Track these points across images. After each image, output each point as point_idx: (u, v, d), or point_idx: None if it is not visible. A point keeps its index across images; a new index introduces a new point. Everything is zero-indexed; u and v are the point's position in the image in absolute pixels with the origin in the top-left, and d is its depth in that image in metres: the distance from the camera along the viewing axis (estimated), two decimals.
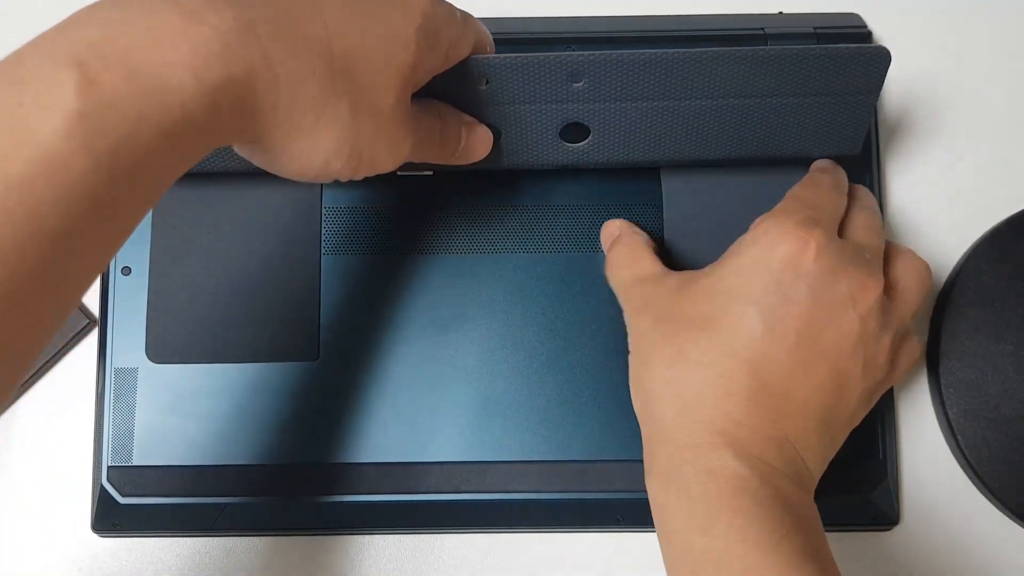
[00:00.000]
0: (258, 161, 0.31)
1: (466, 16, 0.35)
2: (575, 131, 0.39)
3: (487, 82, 0.37)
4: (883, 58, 0.37)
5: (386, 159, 0.33)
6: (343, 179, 0.32)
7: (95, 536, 0.42)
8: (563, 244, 0.42)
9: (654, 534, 0.41)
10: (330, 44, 0.29)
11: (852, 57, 0.37)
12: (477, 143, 0.38)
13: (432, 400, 0.41)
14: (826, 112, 0.38)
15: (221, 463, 0.41)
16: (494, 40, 0.43)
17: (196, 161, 0.27)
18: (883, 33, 0.46)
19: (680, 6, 0.47)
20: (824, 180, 0.38)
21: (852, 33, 0.44)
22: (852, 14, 0.45)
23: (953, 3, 0.47)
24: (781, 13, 0.46)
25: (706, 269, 0.36)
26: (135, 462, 0.41)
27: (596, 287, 0.42)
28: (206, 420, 0.41)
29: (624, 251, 0.40)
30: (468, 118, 0.38)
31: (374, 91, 0.31)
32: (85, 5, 0.26)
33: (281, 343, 0.41)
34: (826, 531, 0.41)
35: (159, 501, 0.41)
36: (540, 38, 0.44)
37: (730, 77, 0.37)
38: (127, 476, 0.41)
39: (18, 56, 0.25)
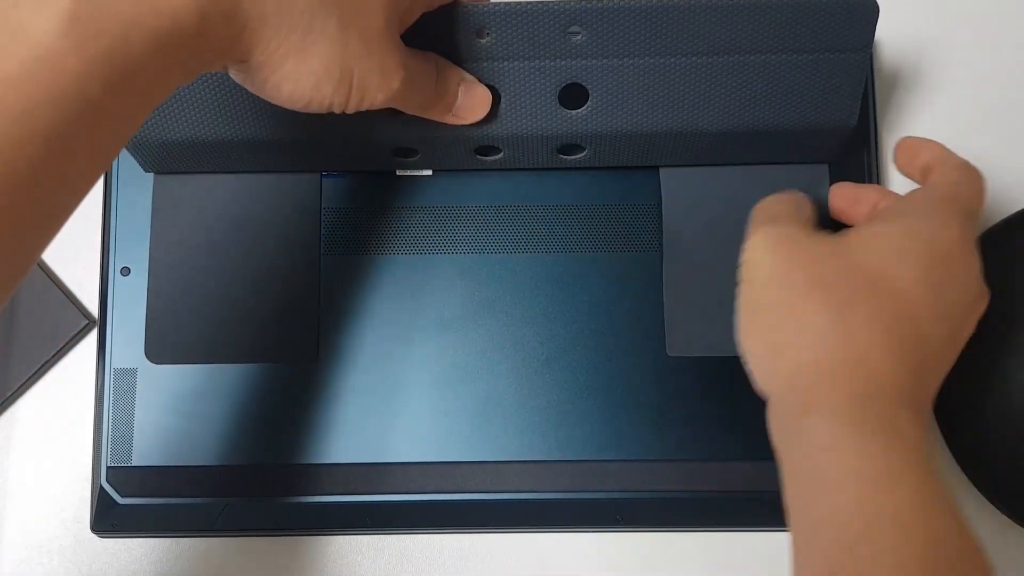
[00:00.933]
0: (250, 85, 0.31)
1: None
2: (574, 96, 0.39)
3: (483, 35, 0.36)
4: (870, 9, 0.37)
5: (377, 87, 0.32)
6: (336, 109, 0.32)
7: (94, 536, 0.42)
8: (563, 244, 0.42)
9: (653, 533, 0.42)
10: None
11: (839, 7, 0.37)
12: (475, 101, 0.38)
13: (432, 400, 0.41)
14: (819, 72, 0.38)
15: (220, 464, 0.41)
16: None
17: (189, 76, 0.28)
18: (881, 33, 0.46)
19: None
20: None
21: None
22: None
23: (954, 2, 0.47)
24: None
25: (860, 234, 0.34)
26: (134, 463, 0.41)
27: (595, 287, 0.42)
28: (205, 421, 0.41)
29: (781, 204, 0.38)
30: (468, 76, 0.38)
31: (363, 12, 0.31)
32: None
33: (280, 344, 0.41)
34: None
35: (158, 501, 0.41)
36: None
37: (722, 28, 0.37)
38: (126, 477, 0.41)
39: None
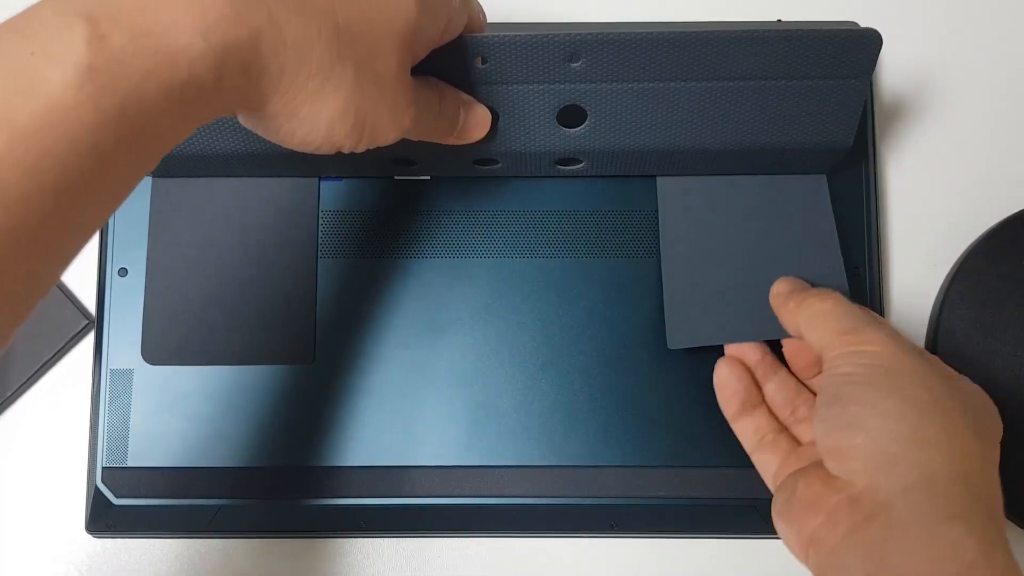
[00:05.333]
0: (262, 131, 0.31)
1: None
2: (572, 115, 0.39)
3: (484, 61, 0.37)
4: (874, 40, 0.37)
5: (388, 128, 0.33)
6: (345, 150, 0.32)
7: (89, 537, 0.42)
8: (560, 249, 0.42)
9: (647, 539, 0.42)
10: (334, 9, 0.29)
11: (844, 38, 0.37)
12: (475, 122, 0.38)
13: (427, 404, 0.41)
14: (818, 97, 0.38)
15: (215, 465, 0.41)
16: None
17: (201, 124, 0.27)
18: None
19: (681, 14, 0.47)
20: None
21: None
22: (850, 23, 0.45)
23: (950, 12, 0.47)
24: (780, 21, 0.46)
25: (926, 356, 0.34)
26: (130, 463, 0.41)
27: (591, 292, 0.42)
28: (201, 422, 0.41)
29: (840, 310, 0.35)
30: (467, 96, 0.38)
31: (377, 57, 0.31)
32: None
33: (277, 346, 0.41)
34: None
35: (153, 502, 0.41)
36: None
37: (724, 58, 0.37)
38: (121, 477, 0.41)
39: (30, 11, 0.25)
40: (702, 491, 0.40)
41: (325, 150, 0.31)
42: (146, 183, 0.43)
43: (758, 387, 0.39)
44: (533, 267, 0.42)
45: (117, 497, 0.41)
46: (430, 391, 0.41)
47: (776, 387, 0.39)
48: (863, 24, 0.45)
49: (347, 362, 0.42)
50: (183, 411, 0.41)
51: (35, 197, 0.23)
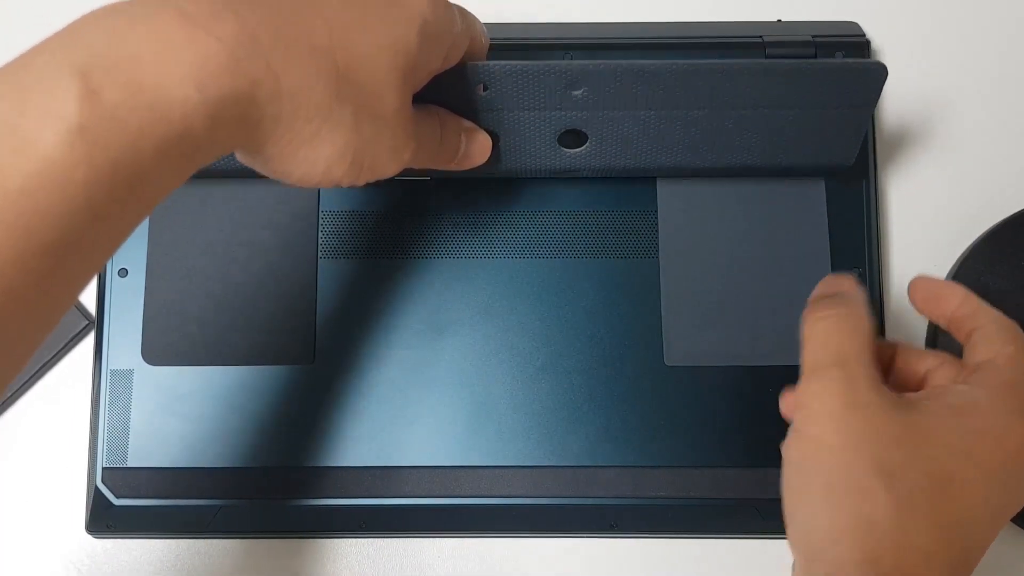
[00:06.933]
0: (259, 168, 0.31)
1: (463, 13, 0.35)
2: (573, 137, 0.39)
3: (486, 88, 0.37)
4: (880, 73, 0.37)
5: (388, 164, 0.33)
6: (344, 185, 0.32)
7: (89, 537, 0.42)
8: (559, 249, 0.42)
9: (647, 539, 0.42)
10: (334, 52, 0.29)
11: (850, 72, 0.37)
12: (476, 149, 0.38)
13: (427, 404, 0.41)
14: (822, 124, 0.38)
15: (216, 465, 0.41)
16: (494, 46, 0.44)
17: (197, 169, 0.27)
18: (881, 42, 0.47)
19: (680, 14, 0.47)
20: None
21: (850, 42, 0.44)
22: (851, 23, 0.45)
23: (950, 11, 0.47)
24: (780, 21, 0.46)
25: (929, 419, 0.31)
26: (130, 464, 0.41)
27: (591, 292, 0.42)
28: (201, 422, 0.41)
29: (849, 335, 0.33)
30: (467, 123, 0.38)
31: (377, 96, 0.30)
32: (94, 8, 0.26)
33: (277, 346, 0.41)
34: None
35: (153, 503, 0.41)
36: (540, 44, 0.44)
37: (728, 89, 0.37)
38: (121, 477, 0.41)
39: (23, 61, 0.24)
40: (702, 491, 0.40)
41: (324, 186, 0.31)
42: None
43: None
44: (533, 267, 0.42)
45: (117, 497, 0.41)
46: (430, 391, 0.41)
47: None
48: (863, 24, 0.45)
49: (347, 362, 0.42)
50: (183, 411, 0.41)
51: (29, 258, 0.23)
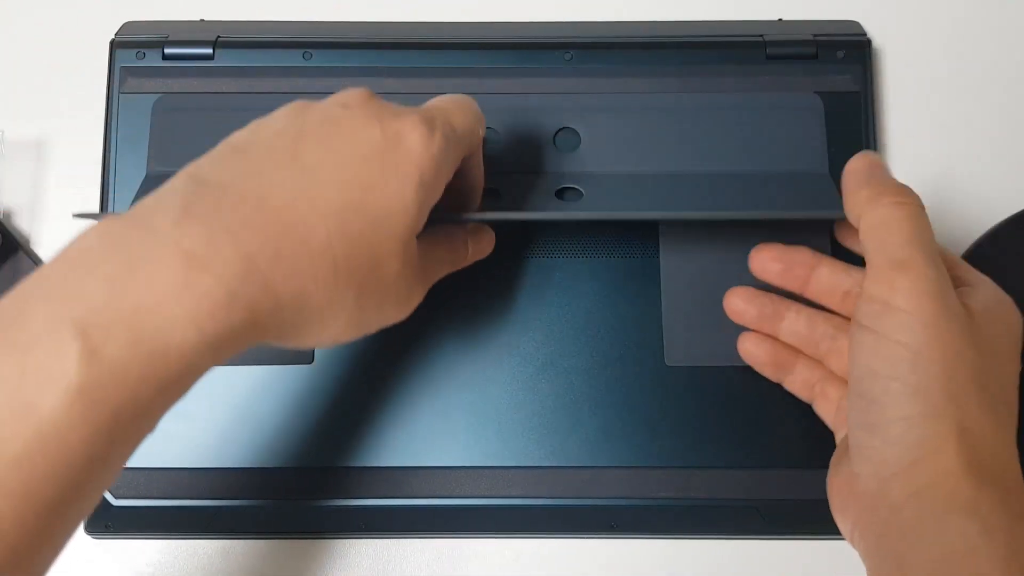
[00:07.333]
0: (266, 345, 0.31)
1: (459, 119, 0.34)
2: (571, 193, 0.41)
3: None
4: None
5: (395, 315, 0.33)
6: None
7: (88, 537, 0.42)
8: (559, 248, 0.42)
9: (649, 540, 0.41)
10: (332, 248, 0.29)
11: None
12: (482, 247, 0.39)
13: (427, 405, 0.41)
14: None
15: (215, 466, 0.41)
16: (494, 44, 0.44)
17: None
18: (882, 40, 0.46)
19: (681, 12, 0.47)
20: None
21: (851, 41, 0.44)
22: (851, 22, 0.45)
23: (951, 10, 0.47)
24: (781, 20, 0.46)
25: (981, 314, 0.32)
26: (129, 464, 0.40)
27: (591, 292, 0.42)
28: (200, 423, 0.41)
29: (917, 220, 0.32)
30: (471, 225, 0.38)
31: (378, 267, 0.30)
32: (90, 227, 0.26)
33: (276, 346, 0.41)
34: (823, 539, 0.41)
35: (152, 503, 0.40)
36: (539, 43, 0.44)
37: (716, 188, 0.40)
38: (121, 478, 0.41)
39: (21, 312, 0.25)
40: (702, 491, 0.40)
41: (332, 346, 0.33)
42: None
43: (785, 344, 0.38)
44: (533, 267, 0.42)
45: (116, 497, 0.41)
46: (430, 391, 0.41)
47: (788, 331, 0.38)
48: (864, 23, 0.45)
49: (346, 363, 0.41)
50: (182, 411, 0.40)
51: (31, 519, 0.23)
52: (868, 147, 0.43)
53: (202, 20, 0.46)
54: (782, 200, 0.41)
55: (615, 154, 0.42)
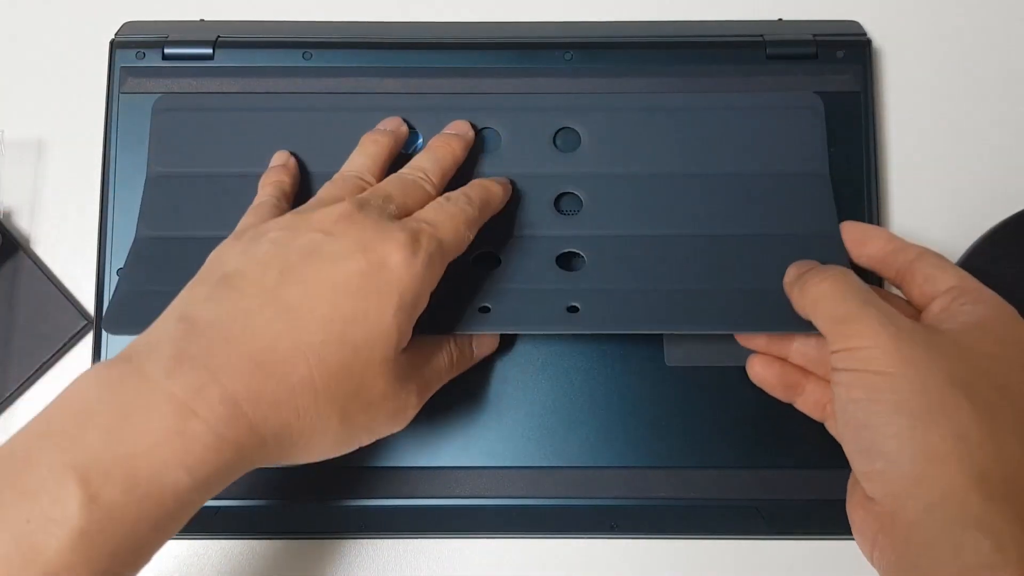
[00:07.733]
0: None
1: (448, 231, 0.35)
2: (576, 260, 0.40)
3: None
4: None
5: (388, 429, 0.35)
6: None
7: None
8: None
9: (647, 540, 0.41)
10: (313, 380, 0.31)
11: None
12: (486, 348, 0.40)
13: (427, 405, 0.41)
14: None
15: None
16: (494, 44, 0.44)
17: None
18: (883, 40, 0.46)
19: (681, 12, 0.47)
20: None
21: (851, 41, 0.44)
22: (852, 22, 0.45)
23: (952, 9, 0.47)
24: (781, 20, 0.46)
25: (963, 334, 0.32)
26: None
27: None
28: None
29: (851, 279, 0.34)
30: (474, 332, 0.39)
31: (362, 390, 0.32)
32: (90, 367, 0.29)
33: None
34: (823, 538, 0.41)
35: None
36: (539, 43, 0.44)
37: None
38: None
39: (25, 456, 0.27)
40: (702, 492, 0.40)
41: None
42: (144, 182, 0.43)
43: (795, 366, 0.39)
44: None
45: None
46: None
47: (798, 353, 0.38)
48: (864, 23, 0.45)
49: None
50: None
51: None
52: (868, 147, 0.43)
53: (202, 20, 0.46)
54: (781, 201, 0.41)
55: (615, 154, 0.42)
